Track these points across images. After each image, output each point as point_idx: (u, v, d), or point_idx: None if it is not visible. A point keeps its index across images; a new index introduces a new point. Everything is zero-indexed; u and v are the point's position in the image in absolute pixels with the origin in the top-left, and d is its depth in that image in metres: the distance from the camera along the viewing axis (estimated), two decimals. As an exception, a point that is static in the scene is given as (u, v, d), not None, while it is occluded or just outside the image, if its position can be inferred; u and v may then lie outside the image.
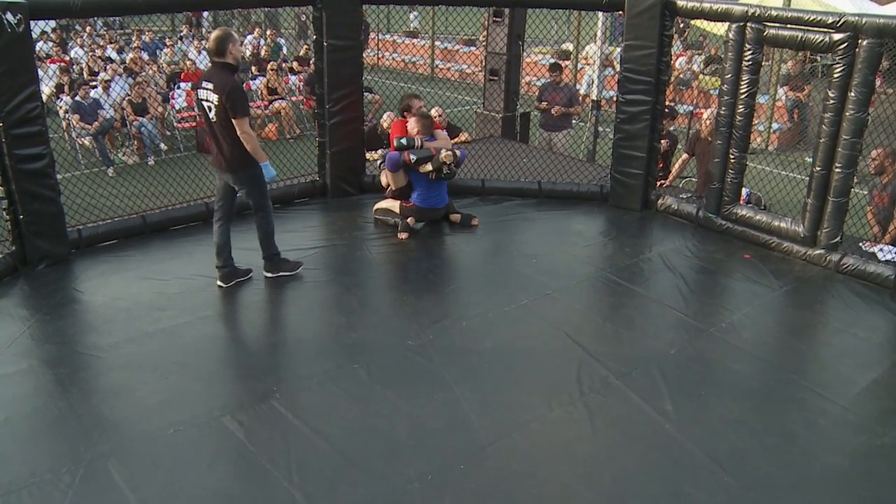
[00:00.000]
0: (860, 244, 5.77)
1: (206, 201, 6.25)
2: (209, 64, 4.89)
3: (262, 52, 15.03)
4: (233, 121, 4.61)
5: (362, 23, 6.54)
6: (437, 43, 18.49)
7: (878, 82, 5.25)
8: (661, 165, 7.07)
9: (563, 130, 8.87)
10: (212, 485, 3.30)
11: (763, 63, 5.80)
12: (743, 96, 5.68)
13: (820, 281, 5.35)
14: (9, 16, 4.71)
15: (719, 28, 6.26)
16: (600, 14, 9.44)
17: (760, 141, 11.90)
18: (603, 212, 6.63)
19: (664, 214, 6.52)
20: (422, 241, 5.98)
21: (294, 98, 13.09)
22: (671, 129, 7.93)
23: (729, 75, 5.72)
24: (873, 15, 5.11)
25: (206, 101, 4.70)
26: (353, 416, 3.77)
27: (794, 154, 11.20)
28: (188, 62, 13.46)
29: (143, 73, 12.66)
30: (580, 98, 10.60)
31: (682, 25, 15.41)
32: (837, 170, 5.27)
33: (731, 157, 5.86)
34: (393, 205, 6.07)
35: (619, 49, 7.07)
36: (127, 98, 11.21)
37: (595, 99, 9.56)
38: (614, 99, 6.97)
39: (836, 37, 5.09)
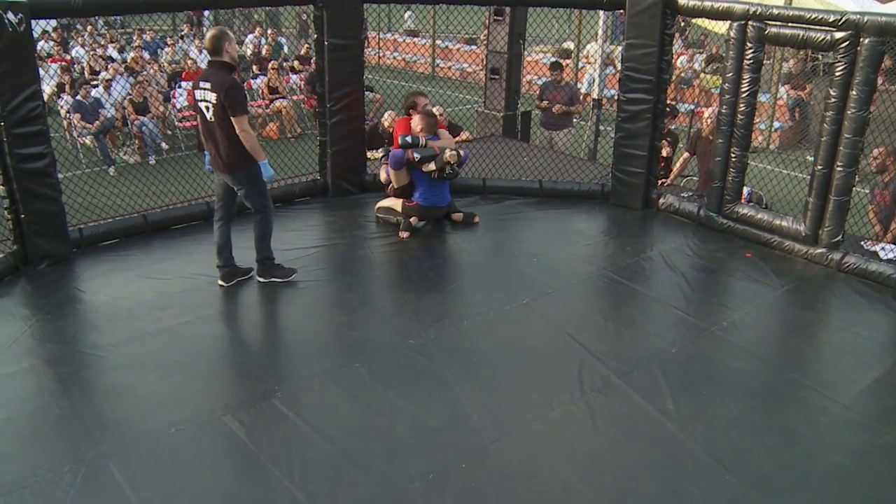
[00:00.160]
0: (861, 243, 5.76)
1: (207, 200, 6.25)
2: (206, 63, 4.87)
3: (264, 52, 15.02)
4: (232, 119, 4.58)
5: (363, 21, 6.53)
6: (437, 42, 18.48)
7: (880, 80, 5.24)
8: (662, 164, 7.06)
9: (564, 129, 8.86)
10: (213, 484, 3.30)
11: (764, 61, 5.80)
12: (744, 95, 5.67)
13: (821, 280, 5.34)
14: (10, 15, 4.71)
15: (720, 26, 6.25)
16: (601, 13, 9.44)
17: (762, 139, 11.89)
18: (604, 210, 6.62)
19: (665, 213, 6.52)
20: (423, 240, 5.98)
21: (295, 97, 13.09)
22: (672, 127, 7.92)
23: (730, 74, 5.71)
24: (875, 13, 5.10)
25: (204, 100, 4.67)
26: (354, 416, 3.77)
27: (795, 153, 11.19)
28: (189, 61, 13.46)
29: (145, 73, 12.67)
30: (581, 97, 10.59)
31: (682, 24, 15.40)
32: (839, 168, 5.26)
33: (733, 155, 5.86)
34: (395, 203, 6.07)
35: (620, 48, 7.07)
36: (128, 97, 11.21)
37: (596, 98, 9.55)
38: (615, 98, 6.96)
39: (838, 35, 5.08)
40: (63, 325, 4.58)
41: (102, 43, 16.11)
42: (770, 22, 5.47)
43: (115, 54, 14.99)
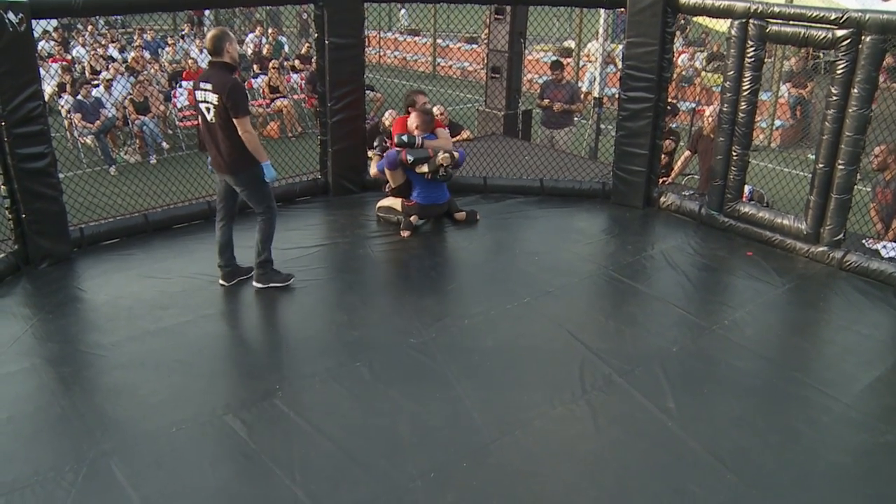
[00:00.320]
0: (863, 241, 5.76)
1: (207, 200, 6.25)
2: (207, 63, 4.85)
3: (264, 51, 15.02)
4: (234, 121, 4.55)
5: (364, 20, 6.53)
6: (438, 40, 18.47)
7: (881, 78, 5.23)
8: (663, 163, 7.05)
9: (565, 128, 8.86)
10: (214, 483, 3.30)
11: (765, 60, 5.79)
12: (745, 93, 5.67)
13: (823, 278, 5.34)
14: (10, 15, 4.71)
15: (722, 25, 6.25)
16: (602, 11, 9.43)
17: (763, 138, 11.88)
18: (605, 209, 6.62)
19: (666, 212, 6.52)
20: (424, 239, 5.98)
21: (296, 96, 13.10)
22: (673, 125, 7.92)
23: (731, 72, 5.70)
24: (877, 11, 5.09)
25: (205, 101, 4.63)
26: (356, 415, 3.77)
27: (796, 151, 11.18)
28: (190, 61, 13.46)
29: (145, 72, 12.67)
30: (582, 95, 10.58)
31: (682, 22, 15.38)
32: (840, 166, 5.26)
33: (734, 154, 5.85)
34: (395, 202, 6.06)
35: (620, 46, 7.06)
36: (129, 97, 11.22)
37: (597, 96, 9.55)
38: (616, 96, 6.95)
39: (839, 33, 5.07)
40: (64, 325, 4.58)
41: (103, 42, 16.11)
42: (771, 20, 5.46)
43: (115, 54, 14.99)
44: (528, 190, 6.92)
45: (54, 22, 15.78)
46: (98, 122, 10.55)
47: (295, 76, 13.57)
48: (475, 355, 4.29)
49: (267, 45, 15.51)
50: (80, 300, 4.94)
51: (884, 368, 4.25)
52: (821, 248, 5.52)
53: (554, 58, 10.42)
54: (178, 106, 11.86)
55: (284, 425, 3.66)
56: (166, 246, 5.70)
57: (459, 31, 17.48)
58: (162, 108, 11.71)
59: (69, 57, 14.82)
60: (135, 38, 16.70)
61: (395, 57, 19.29)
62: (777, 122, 12.29)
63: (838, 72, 5.13)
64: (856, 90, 5.07)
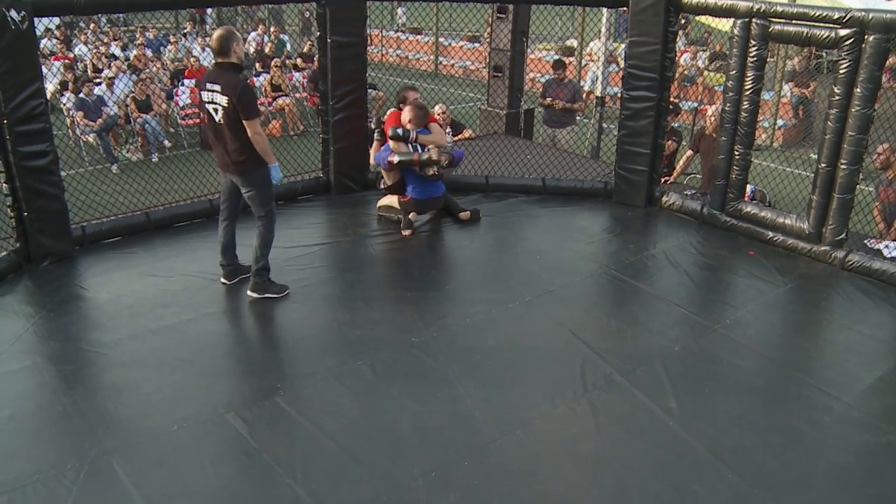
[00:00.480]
0: (865, 241, 5.75)
1: (209, 198, 6.26)
2: (212, 63, 4.82)
3: (266, 49, 15.02)
4: (244, 122, 4.49)
5: (367, 19, 6.52)
6: (440, 39, 18.46)
7: (885, 78, 5.22)
8: (665, 162, 7.05)
9: (567, 127, 8.85)
10: (216, 482, 3.30)
11: (768, 59, 5.78)
12: (748, 93, 5.66)
13: (825, 278, 5.33)
14: (13, 13, 4.71)
15: (724, 24, 6.24)
16: (604, 10, 9.42)
17: (765, 137, 11.87)
18: (607, 208, 6.61)
19: (668, 211, 6.51)
20: (425, 237, 5.98)
21: (298, 95, 13.10)
22: (675, 125, 7.91)
23: (734, 71, 5.69)
24: (880, 10, 5.08)
25: (212, 102, 4.56)
26: (357, 413, 3.77)
27: (798, 150, 11.16)
28: (192, 59, 13.47)
29: (147, 70, 12.67)
30: (584, 94, 10.58)
31: (683, 21, 15.36)
32: (843, 166, 5.25)
33: (736, 153, 5.84)
34: (393, 201, 6.06)
35: (623, 45, 7.05)
36: (131, 95, 11.22)
37: (599, 95, 9.54)
38: (619, 95, 6.95)
39: (842, 32, 5.06)
40: (66, 323, 4.59)
41: (105, 41, 16.11)
42: (774, 19, 5.45)
43: (117, 52, 14.99)
44: (529, 189, 6.92)
45: (56, 20, 15.78)
46: (100, 120, 10.56)
47: (297, 74, 13.57)
48: (476, 354, 4.28)
49: (269, 44, 15.50)
50: (82, 298, 4.94)
51: (886, 368, 4.24)
52: (823, 248, 5.51)
53: (556, 57, 10.42)
54: (180, 104, 11.87)
55: (286, 424, 3.66)
56: (168, 244, 5.70)
57: (461, 29, 17.46)
58: (164, 106, 11.71)
59: (71, 55, 14.81)
60: (137, 36, 16.69)
61: (398, 56, 19.27)
62: (779, 122, 12.28)
63: (841, 71, 5.12)
64: (859, 89, 5.06)
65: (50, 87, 11.16)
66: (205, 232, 5.82)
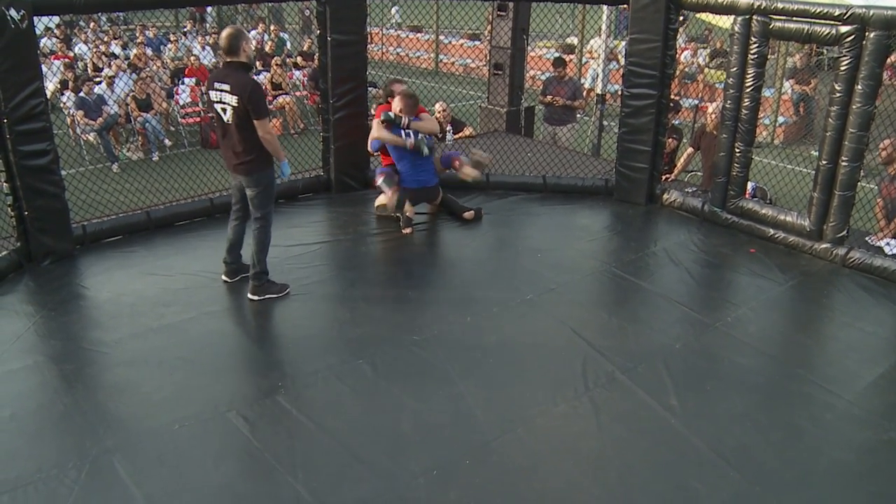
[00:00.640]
0: (866, 238, 5.74)
1: (210, 197, 6.26)
2: (217, 62, 4.80)
3: (267, 48, 15.00)
4: (255, 122, 4.46)
5: (367, 17, 6.51)
6: (440, 37, 18.45)
7: (886, 75, 5.21)
8: (666, 160, 7.04)
9: (567, 125, 8.84)
10: (217, 480, 3.30)
11: (769, 56, 5.77)
12: (748, 90, 5.65)
13: (826, 275, 5.32)
14: (12, 12, 4.71)
15: (725, 21, 6.23)
16: (605, 8, 9.41)
17: (766, 135, 11.86)
18: (608, 206, 6.61)
19: (669, 209, 6.50)
20: (426, 235, 5.97)
21: (298, 93, 13.09)
22: (675, 122, 7.90)
23: (734, 69, 5.68)
24: (881, 7, 5.06)
25: (220, 102, 4.52)
26: (358, 412, 3.77)
27: (799, 148, 11.15)
28: (192, 58, 13.44)
29: (147, 69, 12.66)
30: (585, 92, 10.57)
31: (681, 18, 15.34)
32: (843, 163, 5.24)
33: (737, 150, 5.84)
34: (388, 199, 6.03)
35: (623, 43, 7.04)
36: (131, 94, 11.22)
37: (600, 93, 9.53)
38: (619, 93, 6.94)
39: (843, 29, 5.06)
40: (66, 322, 4.59)
41: (105, 39, 16.10)
42: (774, 16, 5.44)
43: (118, 51, 14.97)
44: (530, 187, 6.91)
45: (56, 19, 15.78)
46: (100, 119, 10.56)
47: (297, 73, 13.56)
48: (477, 352, 4.28)
49: (269, 42, 15.50)
50: (83, 297, 4.94)
51: (887, 365, 4.24)
52: (824, 245, 5.50)
53: (556, 54, 10.41)
54: (181, 103, 11.86)
55: (287, 423, 3.66)
56: (169, 243, 5.70)
57: (462, 27, 17.44)
58: (164, 104, 11.70)
59: (71, 54, 14.81)
60: (137, 34, 16.68)
61: (397, 54, 19.24)
62: (780, 119, 12.27)
63: (842, 68, 5.11)
64: (859, 86, 5.06)
65: (50, 86, 11.15)
66: (205, 230, 5.82)
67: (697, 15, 11.41)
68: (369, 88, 7.06)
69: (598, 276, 5.30)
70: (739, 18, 5.58)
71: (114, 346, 4.30)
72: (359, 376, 4.04)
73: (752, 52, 5.56)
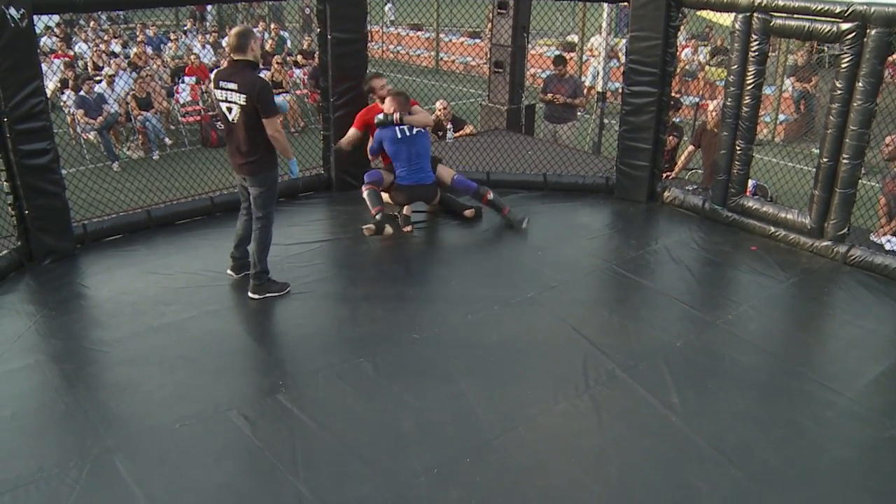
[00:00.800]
0: (871, 237, 5.74)
1: (211, 195, 6.26)
2: (218, 61, 4.80)
3: (267, 46, 14.99)
4: (263, 120, 4.44)
5: (367, 15, 6.51)
6: (440, 35, 18.43)
7: (887, 72, 5.20)
8: (667, 157, 7.04)
9: (568, 122, 8.84)
10: (218, 479, 3.31)
11: (770, 54, 5.76)
12: (749, 87, 5.64)
13: (827, 272, 5.32)
14: (12, 10, 4.70)
15: (725, 18, 6.22)
16: (605, 5, 9.40)
17: (767, 132, 11.85)
18: (608, 204, 6.60)
19: (670, 206, 6.50)
20: (426, 234, 5.97)
21: (298, 91, 13.08)
22: (676, 120, 7.90)
23: (735, 66, 5.68)
24: (882, 4, 5.05)
25: (227, 101, 4.48)
26: (359, 410, 3.77)
27: (800, 145, 11.15)
28: (192, 56, 13.44)
29: (148, 68, 12.65)
30: (585, 90, 10.56)
31: (681, 16, 15.32)
32: (844, 161, 5.23)
33: (738, 148, 5.83)
34: (387, 198, 6.03)
35: (624, 40, 7.03)
36: (131, 92, 11.21)
37: (600, 91, 9.53)
38: (619, 90, 6.93)
39: (844, 26, 5.05)
40: (67, 321, 4.59)
41: (105, 38, 16.09)
42: (775, 13, 5.43)
43: (118, 49, 14.97)
44: (531, 185, 6.91)
45: (56, 17, 15.77)
46: (101, 118, 10.56)
47: (298, 71, 13.55)
48: (478, 351, 4.28)
49: (269, 41, 15.48)
50: (84, 296, 4.95)
51: (888, 363, 4.23)
52: (825, 243, 5.50)
53: (557, 52, 10.41)
54: (181, 101, 11.86)
55: (288, 421, 3.66)
56: (169, 242, 5.70)
57: (462, 25, 17.42)
58: (164, 103, 11.70)
59: (71, 53, 14.80)
60: (137, 33, 16.67)
61: (398, 52, 19.23)
62: (781, 117, 12.26)
63: (843, 65, 5.10)
64: (860, 84, 5.05)
65: (50, 84, 11.15)
66: (206, 229, 5.82)
67: (698, 12, 11.39)
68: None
69: (599, 274, 5.30)
70: (740, 16, 5.57)
71: (115, 345, 4.30)
72: (360, 375, 4.04)
73: (752, 49, 5.55)
